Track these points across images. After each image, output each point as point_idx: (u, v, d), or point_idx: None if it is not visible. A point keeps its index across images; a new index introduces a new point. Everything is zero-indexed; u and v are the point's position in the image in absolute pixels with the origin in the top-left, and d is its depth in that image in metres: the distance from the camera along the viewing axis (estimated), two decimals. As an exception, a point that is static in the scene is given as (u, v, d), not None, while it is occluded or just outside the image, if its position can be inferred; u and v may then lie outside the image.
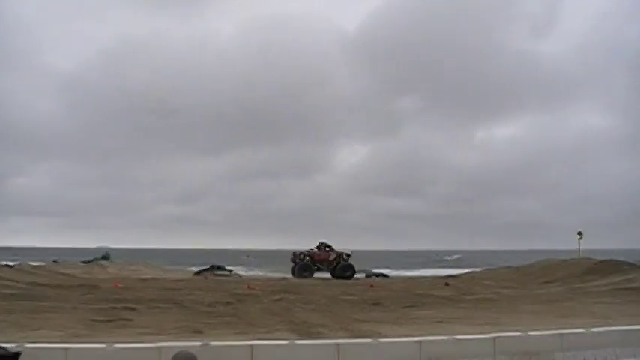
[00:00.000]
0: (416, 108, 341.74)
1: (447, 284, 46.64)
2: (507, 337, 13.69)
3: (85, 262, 76.23)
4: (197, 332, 20.60)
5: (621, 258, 65.35)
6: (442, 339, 13.59)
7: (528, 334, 14.75)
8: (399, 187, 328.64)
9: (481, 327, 21.31)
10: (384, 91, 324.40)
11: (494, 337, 13.28)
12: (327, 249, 64.80)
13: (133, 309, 26.01)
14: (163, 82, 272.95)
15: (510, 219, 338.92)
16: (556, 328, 16.62)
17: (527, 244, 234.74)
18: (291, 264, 65.27)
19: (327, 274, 62.54)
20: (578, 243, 72.17)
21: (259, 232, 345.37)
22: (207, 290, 35.94)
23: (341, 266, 62.83)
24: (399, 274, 75.23)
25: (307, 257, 64.00)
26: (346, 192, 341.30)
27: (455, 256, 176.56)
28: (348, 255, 64.97)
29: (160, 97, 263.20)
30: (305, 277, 59.24)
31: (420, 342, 12.39)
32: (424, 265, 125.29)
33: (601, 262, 59.42)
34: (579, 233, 73.01)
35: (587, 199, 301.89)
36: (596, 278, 50.72)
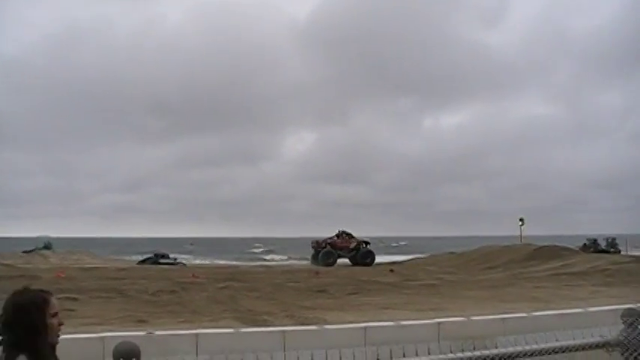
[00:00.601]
0: (365, 96, 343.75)
1: (391, 271, 47.09)
2: (451, 323, 13.83)
3: (26, 252, 74.77)
4: (141, 322, 20.42)
5: (562, 244, 66.78)
6: (387, 325, 13.66)
7: (471, 319, 14.93)
8: (346, 174, 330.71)
9: (425, 313, 21.56)
10: (333, 79, 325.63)
11: (439, 323, 13.41)
12: (347, 237, 67.32)
13: (75, 299, 25.56)
14: (110, 68, 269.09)
15: (455, 206, 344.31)
16: (498, 313, 16.89)
17: (471, 231, 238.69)
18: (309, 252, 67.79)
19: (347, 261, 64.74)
20: (520, 229, 73.57)
21: (205, 220, 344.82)
22: (151, 279, 35.58)
23: (361, 253, 65.44)
24: (343, 261, 75.54)
25: (329, 245, 66.01)
26: (293, 180, 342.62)
27: (402, 243, 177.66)
28: (367, 243, 67.97)
29: (105, 84, 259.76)
30: (329, 264, 61.05)
31: (365, 328, 12.43)
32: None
33: (541, 248, 60.63)
34: (521, 220, 74.47)
35: (529, 186, 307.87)
36: (536, 264, 51.76)
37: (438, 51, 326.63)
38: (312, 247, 67.91)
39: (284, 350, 9.53)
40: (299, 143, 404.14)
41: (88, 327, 17.25)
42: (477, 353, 4.58)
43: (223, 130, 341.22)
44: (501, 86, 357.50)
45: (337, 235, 67.77)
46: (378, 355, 9.27)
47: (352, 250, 65.53)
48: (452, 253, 73.14)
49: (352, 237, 67.66)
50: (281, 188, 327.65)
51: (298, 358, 9.34)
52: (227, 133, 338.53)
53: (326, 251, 64.62)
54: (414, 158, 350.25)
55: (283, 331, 11.01)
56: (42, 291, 3.19)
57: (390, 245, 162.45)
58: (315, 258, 65.48)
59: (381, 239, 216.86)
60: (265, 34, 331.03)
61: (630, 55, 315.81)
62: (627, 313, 5.05)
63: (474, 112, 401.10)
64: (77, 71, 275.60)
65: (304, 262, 72.51)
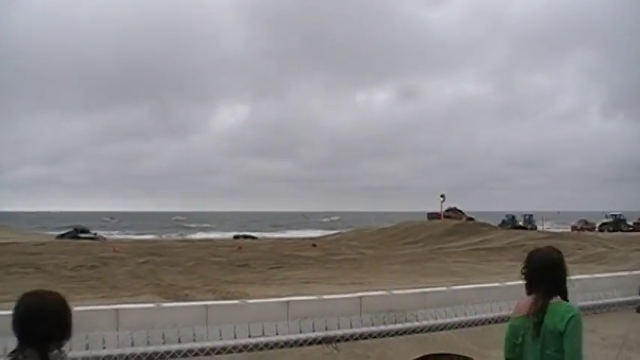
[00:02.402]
0: (302, 71, 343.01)
1: (314, 245, 47.28)
2: (372, 297, 13.97)
3: None
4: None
5: (481, 220, 68.30)
6: (309, 299, 13.71)
7: (392, 293, 15.13)
8: (275, 149, 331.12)
9: (347, 287, 21.76)
10: (272, 53, 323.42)
11: (360, 297, 13.53)
12: (458, 212, 78.06)
13: (-10, 275, 24.97)
14: (34, 36, 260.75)
15: (384, 182, 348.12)
16: (419, 287, 17.17)
17: (397, 206, 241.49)
18: None
19: None
20: (441, 206, 74.88)
21: (127, 193, 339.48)
22: (70, 254, 34.94)
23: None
24: (267, 236, 75.44)
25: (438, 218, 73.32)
26: (221, 154, 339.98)
27: (334, 218, 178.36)
28: (472, 219, 74.92)
29: (28, 52, 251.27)
30: None
31: (287, 302, 12.45)
32: (294, 227, 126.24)
33: (461, 223, 61.86)
34: (442, 196, 75.74)
35: (456, 163, 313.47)
36: (456, 239, 52.83)
37: (377, 27, 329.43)
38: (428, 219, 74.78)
39: (206, 325, 9.47)
40: (230, 117, 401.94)
41: (4, 304, 16.84)
42: (399, 326, 4.64)
43: (154, 102, 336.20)
44: (436, 64, 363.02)
45: (448, 210, 77.00)
46: (300, 328, 9.31)
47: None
48: (373, 227, 74.03)
49: (463, 213, 78.83)
50: (208, 162, 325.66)
51: (220, 332, 9.30)
52: (157, 105, 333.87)
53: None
54: (344, 133, 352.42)
55: (205, 306, 10.94)
56: None
57: (321, 220, 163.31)
58: None
59: (304, 214, 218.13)
60: (205, 6, 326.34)
61: (561, 39, 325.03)
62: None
63: (407, 88, 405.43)
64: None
65: (227, 236, 72.28)
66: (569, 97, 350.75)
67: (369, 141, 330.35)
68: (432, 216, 77.03)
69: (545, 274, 4.19)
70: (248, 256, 36.89)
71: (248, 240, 64.14)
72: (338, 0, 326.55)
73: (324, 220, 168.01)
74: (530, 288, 4.25)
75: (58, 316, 3.18)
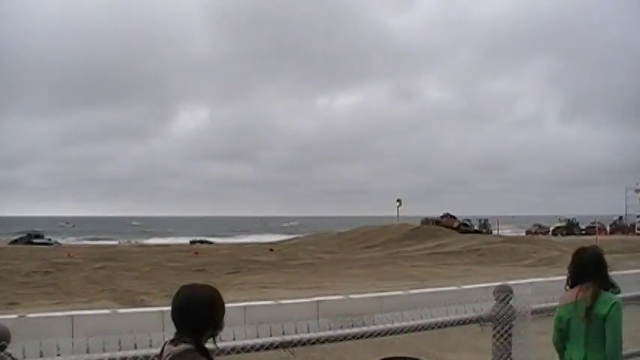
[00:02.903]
0: (265, 74, 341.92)
1: (271, 250, 47.17)
2: (330, 301, 14.02)
3: None
4: (12, 304, 19.73)
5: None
6: (266, 304, 13.73)
7: (350, 298, 15.18)
8: (236, 153, 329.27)
9: (305, 291, 21.75)
10: (236, 55, 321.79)
11: (318, 301, 13.57)
12: (451, 217, 78.86)
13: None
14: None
15: (345, 186, 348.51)
16: (376, 291, 17.24)
17: (356, 211, 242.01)
18: None
19: None
20: (397, 210, 75.23)
21: (86, 198, 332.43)
22: (23, 260, 34.38)
23: (462, 231, 71.04)
24: (224, 241, 75.05)
25: (436, 223, 74.91)
26: (181, 157, 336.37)
27: (292, 223, 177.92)
28: (466, 224, 78.09)
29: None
30: None
31: (244, 307, 12.44)
32: (252, 232, 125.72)
33: (418, 228, 62.21)
34: (398, 200, 76.18)
35: (417, 167, 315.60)
36: (413, 243, 53.05)
37: (342, 32, 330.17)
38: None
39: (163, 331, 9.41)
40: (192, 120, 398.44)
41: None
42: (356, 330, 4.65)
43: (115, 105, 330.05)
44: (400, 70, 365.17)
45: (442, 216, 79.04)
46: (257, 333, 9.29)
47: (455, 228, 72.62)
48: (332, 232, 74.09)
49: (455, 218, 79.25)
50: (167, 166, 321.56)
51: (177, 338, 9.26)
52: (118, 108, 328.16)
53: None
54: (306, 137, 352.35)
55: (162, 311, 10.88)
56: None
57: (281, 225, 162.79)
58: None
59: (261, 219, 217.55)
60: (170, 9, 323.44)
61: (522, 46, 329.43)
62: (499, 289, 5.25)
63: (369, 93, 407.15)
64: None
65: (184, 242, 71.83)
66: (529, 103, 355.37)
67: (330, 145, 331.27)
68: (427, 222, 77.55)
69: (596, 267, 4.97)
70: (205, 261, 36.69)
71: (205, 245, 63.78)
72: (304, 5, 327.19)
73: (284, 224, 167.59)
74: (577, 280, 4.98)
75: (208, 308, 3.48)
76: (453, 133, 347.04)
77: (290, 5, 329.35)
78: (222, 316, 3.54)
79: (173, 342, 3.41)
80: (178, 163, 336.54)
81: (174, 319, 3.44)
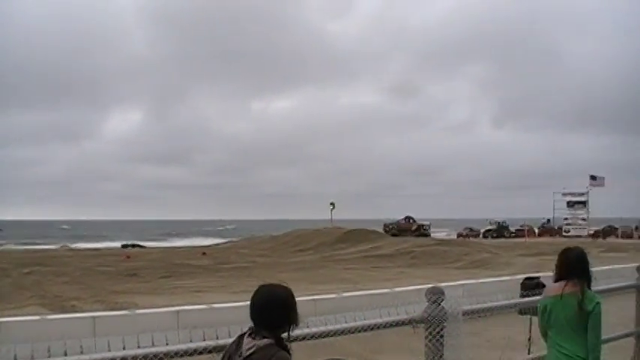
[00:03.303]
0: (203, 77, 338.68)
1: (204, 254, 46.85)
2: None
3: None
4: None
5: (373, 227, 69.31)
6: (200, 308, 13.62)
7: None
8: (170, 155, 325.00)
9: (238, 295, 21.65)
10: (174, 57, 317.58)
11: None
12: (410, 221, 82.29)
13: None
14: None
15: (280, 189, 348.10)
16: (310, 294, 17.27)
17: (292, 214, 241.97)
18: None
19: None
20: (331, 213, 75.49)
21: (14, 201, 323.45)
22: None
23: (420, 234, 75.30)
24: (157, 245, 74.24)
25: (395, 227, 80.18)
26: (115, 160, 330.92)
27: (229, 227, 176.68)
28: (424, 227, 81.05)
29: None
30: None
31: (177, 312, 12.32)
32: (185, 235, 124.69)
33: (351, 231, 62.48)
34: (331, 204, 76.46)
35: (351, 171, 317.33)
36: (346, 247, 53.31)
37: (280, 36, 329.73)
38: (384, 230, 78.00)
39: (94, 337, 9.28)
40: (126, 122, 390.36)
41: None
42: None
43: (46, 107, 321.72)
44: (336, 74, 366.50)
45: (403, 219, 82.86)
46: (191, 338, 9.22)
47: (414, 231, 76.52)
48: (265, 235, 74.01)
49: (414, 221, 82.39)
50: (99, 169, 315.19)
51: (109, 344, 9.13)
52: (49, 110, 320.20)
53: (393, 233, 74.83)
54: (242, 141, 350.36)
55: (93, 317, 10.72)
56: None
57: (217, 229, 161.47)
58: None
59: (196, 222, 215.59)
60: (107, 9, 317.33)
61: (456, 52, 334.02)
62: (431, 291, 5.32)
63: (305, 97, 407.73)
64: None
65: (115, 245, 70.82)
66: (463, 108, 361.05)
67: (266, 149, 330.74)
68: (390, 227, 79.79)
69: (582, 267, 5.63)
70: (137, 265, 36.23)
71: (137, 249, 62.94)
72: (244, 8, 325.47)
73: (219, 228, 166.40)
74: (562, 276, 5.67)
75: (286, 305, 3.87)
76: (387, 138, 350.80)
77: (229, 8, 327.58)
78: (297, 313, 3.90)
79: (251, 336, 3.79)
80: (112, 166, 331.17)
81: (253, 316, 3.85)
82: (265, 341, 3.72)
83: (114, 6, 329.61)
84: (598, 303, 5.48)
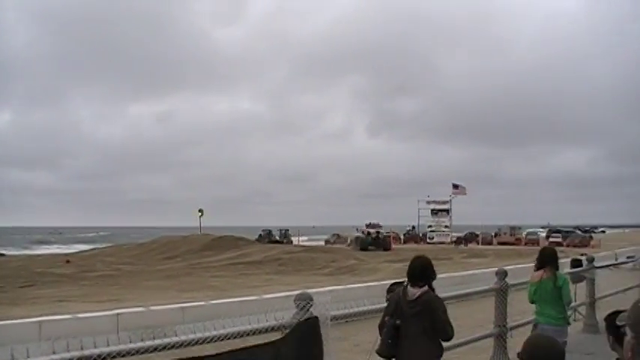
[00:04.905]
0: (80, 78, 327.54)
1: (68, 262, 45.56)
2: (130, 313, 13.74)
3: None
4: None
5: (241, 234, 69.25)
6: (63, 318, 13.24)
7: (150, 309, 14.97)
8: (36, 159, 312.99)
9: (104, 304, 21.21)
10: (51, 57, 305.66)
11: (118, 314, 13.26)
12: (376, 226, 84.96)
13: None
14: None
15: (149, 196, 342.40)
16: (177, 302, 17.11)
17: (162, 221, 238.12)
18: None
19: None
20: (199, 220, 75.05)
21: None
22: None
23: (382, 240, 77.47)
24: (18, 253, 71.50)
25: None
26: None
27: (103, 233, 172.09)
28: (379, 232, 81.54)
29: None
30: (364, 249, 69.82)
31: (39, 323, 11.95)
32: (49, 243, 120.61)
33: (219, 238, 62.31)
34: (200, 211, 76.09)
35: (224, 178, 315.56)
36: (214, 254, 53.12)
37: (163, 40, 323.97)
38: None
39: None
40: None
41: None
42: (157, 342, 4.61)
43: None
44: (216, 80, 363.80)
45: (368, 225, 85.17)
46: (54, 349, 8.96)
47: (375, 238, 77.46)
48: (141, 244, 72.68)
49: (380, 226, 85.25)
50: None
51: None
52: None
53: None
54: (114, 146, 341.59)
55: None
56: None
57: (81, 235, 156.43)
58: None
59: (60, 229, 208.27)
60: None
61: (335, 63, 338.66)
62: (299, 297, 5.42)
63: (183, 102, 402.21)
64: None
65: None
66: (338, 117, 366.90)
67: (139, 154, 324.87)
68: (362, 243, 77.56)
69: (554, 259, 8.58)
70: (-7, 274, 34.76)
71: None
72: (128, 10, 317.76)
73: (84, 235, 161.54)
74: (540, 266, 8.57)
75: (431, 266, 6.09)
76: (262, 145, 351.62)
77: (115, 10, 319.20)
78: (435, 272, 6.10)
79: (413, 286, 5.91)
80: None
81: (414, 273, 5.99)
82: (425, 288, 5.88)
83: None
84: (565, 279, 8.66)
